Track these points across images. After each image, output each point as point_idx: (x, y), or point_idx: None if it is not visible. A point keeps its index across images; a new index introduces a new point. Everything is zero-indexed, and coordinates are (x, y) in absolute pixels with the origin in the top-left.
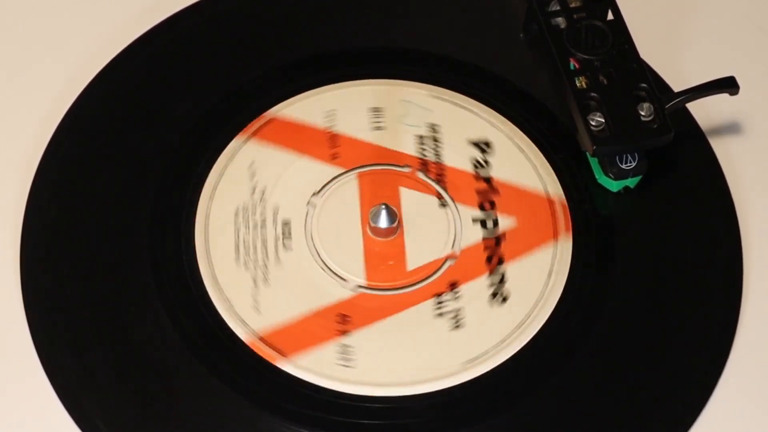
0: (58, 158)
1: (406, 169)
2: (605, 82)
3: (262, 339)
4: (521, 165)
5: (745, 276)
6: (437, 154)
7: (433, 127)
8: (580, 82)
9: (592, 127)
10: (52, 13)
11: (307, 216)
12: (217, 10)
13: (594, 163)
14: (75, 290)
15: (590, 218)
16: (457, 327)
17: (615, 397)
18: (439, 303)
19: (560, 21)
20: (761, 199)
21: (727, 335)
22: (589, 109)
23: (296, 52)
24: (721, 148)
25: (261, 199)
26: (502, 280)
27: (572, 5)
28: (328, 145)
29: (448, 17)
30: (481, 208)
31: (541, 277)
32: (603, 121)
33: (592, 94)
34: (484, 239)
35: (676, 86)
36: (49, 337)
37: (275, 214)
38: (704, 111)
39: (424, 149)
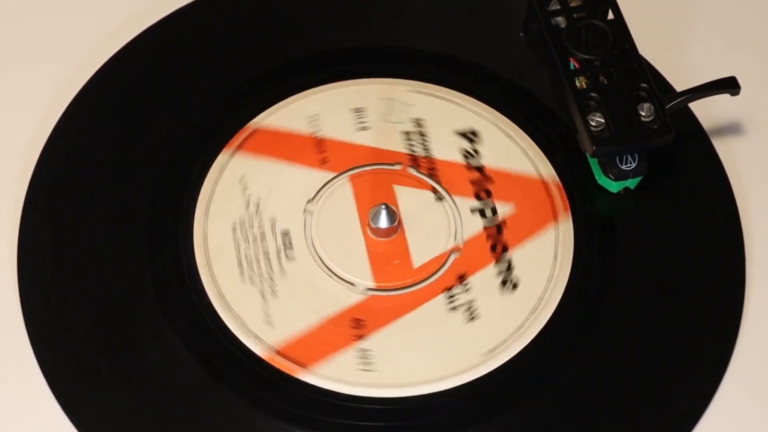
0: (46, 185)
1: (397, 167)
2: (605, 82)
3: (279, 352)
4: (510, 150)
5: (748, 276)
6: (426, 149)
7: (418, 122)
8: (580, 82)
9: (592, 128)
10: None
11: (305, 224)
12: (182, 27)
13: (594, 163)
14: (78, 324)
15: (585, 198)
16: (472, 319)
17: (628, 382)
18: (451, 297)
19: (560, 20)
20: (764, 200)
21: (729, 336)
22: (589, 110)
23: (272, 60)
24: (723, 148)
25: (257, 212)
26: (509, 267)
27: (572, 4)
28: (316, 151)
29: (417, 11)
30: (478, 197)
31: (547, 259)
32: (603, 121)
33: (592, 94)
34: (485, 228)
35: (679, 85)
36: (61, 376)
37: (273, 225)
38: (707, 111)
39: (412, 145)
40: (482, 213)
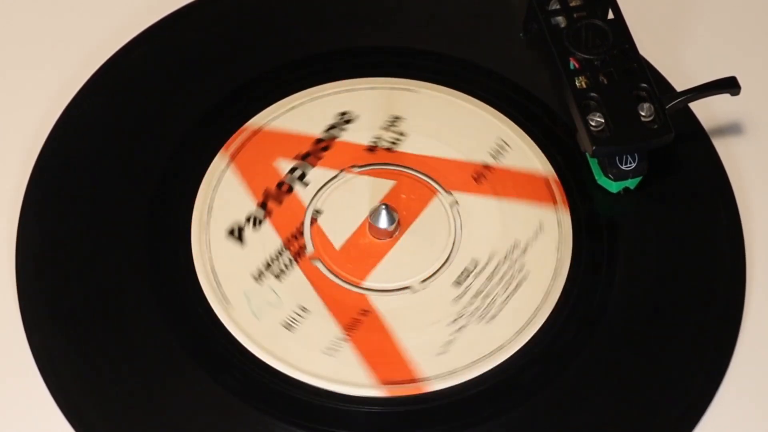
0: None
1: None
2: (605, 81)
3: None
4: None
5: (748, 277)
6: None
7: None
8: (580, 82)
9: (592, 128)
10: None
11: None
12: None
13: (594, 163)
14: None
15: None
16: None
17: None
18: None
19: (560, 20)
20: (765, 200)
21: (730, 336)
22: (588, 109)
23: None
24: (724, 148)
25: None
26: None
27: (572, 4)
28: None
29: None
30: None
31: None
32: (603, 121)
33: (592, 94)
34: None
35: (679, 85)
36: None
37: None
38: (708, 111)
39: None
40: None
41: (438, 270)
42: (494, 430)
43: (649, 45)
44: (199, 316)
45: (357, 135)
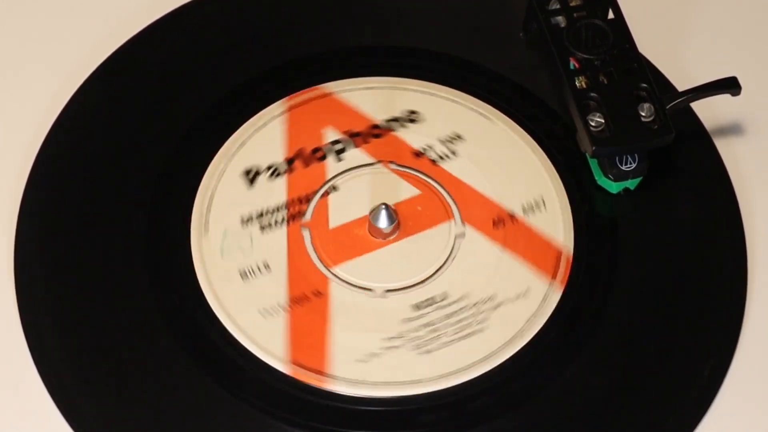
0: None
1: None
2: (605, 81)
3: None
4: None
5: (750, 277)
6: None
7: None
8: (580, 82)
9: (592, 128)
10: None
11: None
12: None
13: (594, 164)
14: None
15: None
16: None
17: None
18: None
19: (560, 20)
20: (766, 200)
21: (731, 337)
22: (588, 110)
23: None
24: (725, 148)
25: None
26: None
27: (572, 4)
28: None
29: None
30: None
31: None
32: (603, 121)
33: (592, 94)
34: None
35: (680, 85)
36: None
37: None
38: (709, 111)
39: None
40: None
41: (407, 287)
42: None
43: (650, 45)
44: (178, 238)
45: (413, 136)
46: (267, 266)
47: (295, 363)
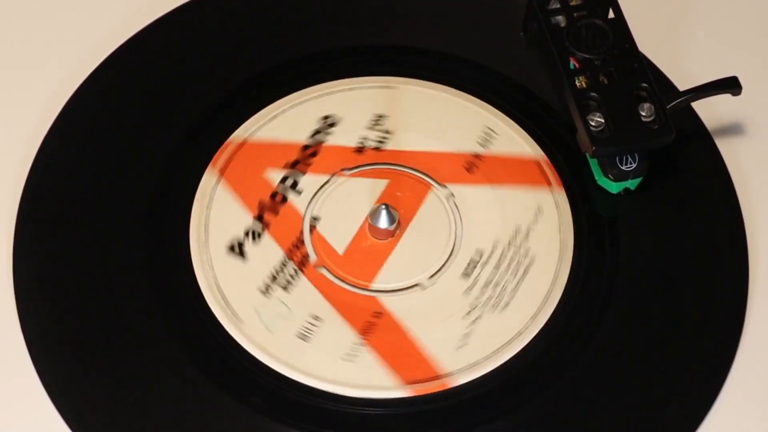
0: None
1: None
2: (605, 81)
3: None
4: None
5: (751, 277)
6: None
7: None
8: (580, 82)
9: (592, 128)
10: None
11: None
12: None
13: (594, 164)
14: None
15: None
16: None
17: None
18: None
19: (560, 19)
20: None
21: (732, 337)
22: (588, 109)
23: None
24: (727, 148)
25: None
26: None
27: (572, 3)
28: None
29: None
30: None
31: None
32: (603, 121)
33: (592, 94)
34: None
35: (681, 84)
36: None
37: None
38: (710, 110)
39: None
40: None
41: (444, 264)
42: (526, 417)
43: (650, 44)
44: (212, 336)
45: (343, 137)
46: (317, 318)
47: (411, 382)
